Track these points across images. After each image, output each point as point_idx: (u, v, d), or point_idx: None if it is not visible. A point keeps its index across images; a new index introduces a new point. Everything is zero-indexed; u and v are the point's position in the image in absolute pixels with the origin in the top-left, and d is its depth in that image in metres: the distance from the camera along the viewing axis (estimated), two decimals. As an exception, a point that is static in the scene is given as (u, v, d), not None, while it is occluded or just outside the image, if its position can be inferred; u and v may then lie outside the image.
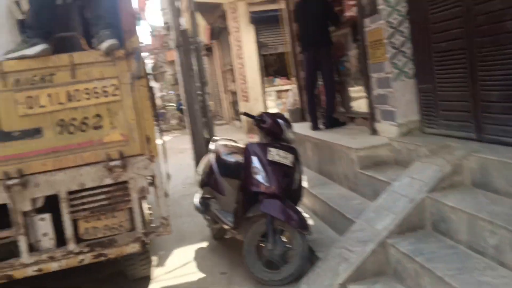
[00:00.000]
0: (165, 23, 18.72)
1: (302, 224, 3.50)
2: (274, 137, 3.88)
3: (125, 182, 2.97)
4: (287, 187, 3.72)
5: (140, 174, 2.97)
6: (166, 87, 24.95)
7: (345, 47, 5.78)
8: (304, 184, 4.97)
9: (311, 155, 5.45)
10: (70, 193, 2.90)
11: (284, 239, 3.61)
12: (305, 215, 3.64)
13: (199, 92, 7.51)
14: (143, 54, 3.20)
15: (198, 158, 7.09)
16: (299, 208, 3.72)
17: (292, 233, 3.53)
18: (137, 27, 2.97)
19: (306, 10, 5.50)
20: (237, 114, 15.08)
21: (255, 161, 3.76)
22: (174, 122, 18.15)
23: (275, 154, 3.75)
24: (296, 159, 3.86)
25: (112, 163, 2.89)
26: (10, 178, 2.73)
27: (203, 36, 12.26)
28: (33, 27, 2.83)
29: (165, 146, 3.93)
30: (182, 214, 5.84)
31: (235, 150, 4.45)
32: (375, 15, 4.27)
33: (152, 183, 3.07)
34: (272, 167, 3.69)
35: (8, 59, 2.76)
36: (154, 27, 17.79)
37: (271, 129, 3.86)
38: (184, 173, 8.59)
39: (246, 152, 3.87)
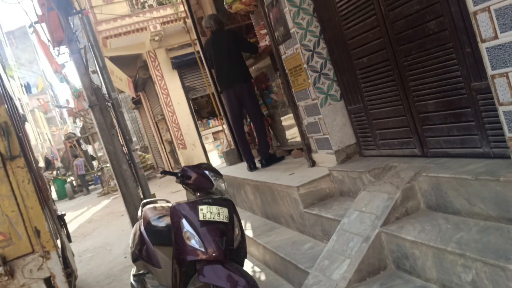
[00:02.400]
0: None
1: (251, 289, 2.97)
2: (203, 191, 3.37)
3: (15, 292, 2.34)
4: (227, 246, 3.20)
5: (34, 277, 2.35)
6: (102, 147, 23.89)
7: (268, 78, 5.46)
8: (249, 233, 4.48)
9: (253, 199, 4.98)
10: None
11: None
12: (256, 269, 3.11)
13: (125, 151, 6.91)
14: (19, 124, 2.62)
15: (134, 223, 6.43)
16: (245, 269, 3.21)
17: (242, 301, 2.98)
18: (1, 97, 2.40)
19: (216, 47, 5.12)
20: (177, 163, 14.47)
21: (185, 225, 3.22)
22: (113, 183, 17.15)
23: (206, 212, 3.23)
24: (233, 211, 3.36)
25: (-7, 272, 2.26)
26: None
27: (128, 90, 11.70)
28: None
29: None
30: (123, 293, 5.12)
31: (166, 213, 3.90)
32: (288, 40, 3.96)
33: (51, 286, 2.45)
34: (206, 227, 3.17)
35: None
36: (75, 89, 16.99)
37: (197, 184, 3.36)
38: (126, 239, 7.79)
39: (174, 214, 3.32)
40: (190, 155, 13.13)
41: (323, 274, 2.85)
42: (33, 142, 29.23)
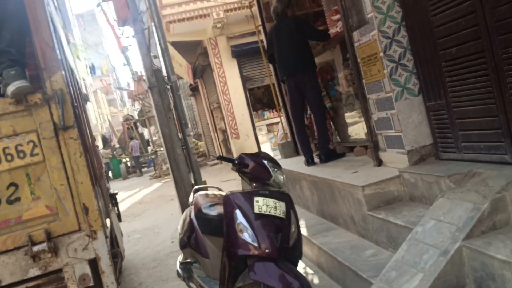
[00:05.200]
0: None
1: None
2: (260, 182, 3.12)
3: (58, 271, 2.20)
4: (282, 244, 2.93)
5: (79, 257, 2.20)
6: (158, 131, 24.33)
7: (334, 69, 5.12)
8: (304, 232, 4.20)
9: (309, 195, 4.69)
10: (-19, 295, 2.12)
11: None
12: (309, 271, 2.83)
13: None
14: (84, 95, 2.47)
15: (184, 208, 6.32)
16: (300, 269, 2.94)
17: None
18: (58, 63, 2.25)
19: (278, 33, 4.86)
20: (228, 152, 14.40)
21: (239, 216, 2.98)
22: (165, 167, 17.38)
23: (262, 205, 2.97)
24: (290, 207, 3.08)
25: (37, 248, 2.13)
26: None
27: (186, 76, 11.69)
28: None
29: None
30: (168, 278, 4.97)
31: (218, 201, 3.70)
32: (365, 26, 3.61)
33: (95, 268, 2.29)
34: (261, 221, 2.91)
35: None
36: (135, 72, 17.31)
37: (254, 173, 3.11)
38: (174, 224, 7.74)
39: (227, 204, 3.10)
40: (243, 146, 12.98)
41: (390, 286, 2.53)
42: (93, 122, 30.31)
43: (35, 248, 2.14)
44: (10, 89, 2.12)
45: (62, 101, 2.20)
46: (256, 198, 2.95)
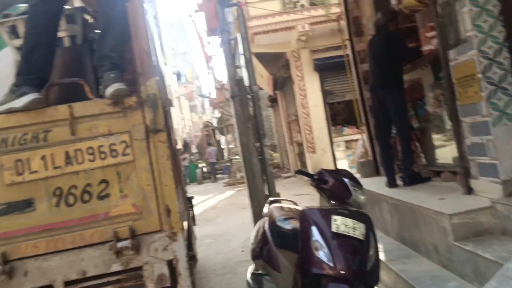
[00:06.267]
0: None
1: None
2: (339, 200, 3.02)
3: (138, 268, 2.26)
4: (359, 267, 2.81)
5: (158, 257, 2.25)
6: (234, 140, 24.88)
7: (424, 88, 4.89)
8: (381, 256, 4.01)
9: (389, 219, 4.49)
10: (68, 283, 2.23)
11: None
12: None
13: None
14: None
15: (256, 219, 6.33)
16: (375, 296, 2.79)
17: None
18: (153, 69, 2.35)
19: (372, 47, 4.80)
20: (303, 166, 14.29)
21: (315, 233, 2.89)
22: (239, 175, 17.65)
23: (340, 224, 2.86)
24: (370, 229, 2.95)
25: (121, 244, 2.21)
26: (-9, 265, 2.13)
27: (267, 87, 11.82)
28: (22, 73, 2.30)
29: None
30: (238, 287, 4.97)
31: (293, 215, 3.63)
32: (462, 45, 3.41)
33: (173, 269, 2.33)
34: (338, 241, 2.80)
35: (-6, 114, 2.24)
36: (217, 81, 17.85)
37: (334, 190, 3.03)
38: (245, 233, 7.77)
39: (304, 219, 3.03)
40: (318, 160, 12.81)
41: (476, 326, 2.32)
42: (175, 126, 31.61)
43: (119, 244, 2.22)
44: (109, 90, 2.24)
45: (155, 106, 2.29)
46: (334, 217, 2.85)
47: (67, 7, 2.76)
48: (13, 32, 2.65)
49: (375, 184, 5.08)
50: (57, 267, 2.22)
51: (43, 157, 2.22)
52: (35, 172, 2.21)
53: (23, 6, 2.95)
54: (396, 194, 4.32)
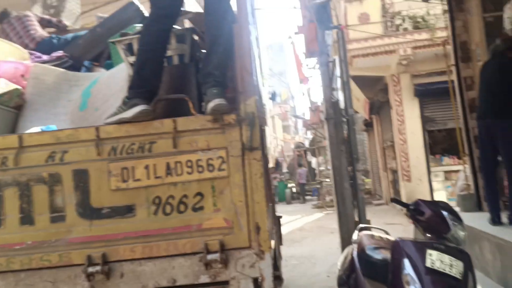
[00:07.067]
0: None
1: None
2: (436, 234, 2.86)
3: (225, 282, 2.31)
4: (454, 308, 2.62)
5: (245, 274, 2.28)
6: (325, 162, 24.65)
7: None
8: (480, 300, 3.69)
9: (490, 259, 4.14)
10: (158, 290, 2.34)
11: None
12: None
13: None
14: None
15: (344, 244, 6.17)
16: None
17: None
18: (254, 88, 2.42)
19: (484, 73, 4.51)
20: (396, 194, 13.68)
21: (407, 266, 2.76)
22: (328, 198, 17.38)
23: (436, 259, 2.70)
24: (468, 268, 2.74)
25: (211, 256, 2.27)
26: (92, 264, 2.30)
27: (362, 111, 11.59)
28: (134, 86, 2.50)
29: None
30: (322, 315, 4.86)
31: (384, 245, 3.50)
32: None
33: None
34: (432, 277, 2.65)
35: (106, 124, 2.45)
36: (312, 102, 17.90)
37: (430, 223, 2.87)
38: (332, 258, 7.61)
39: (396, 251, 2.91)
40: (413, 190, 12.19)
41: None
42: (268, 145, 32.15)
43: (209, 257, 2.28)
44: (210, 105, 2.36)
45: (253, 124, 2.35)
46: (429, 251, 2.70)
47: (177, 27, 2.96)
48: (129, 49, 2.88)
49: (477, 220, 4.74)
50: (150, 272, 2.33)
51: (146, 167, 2.37)
52: (138, 180, 2.36)
53: (139, 26, 3.21)
54: (501, 233, 3.99)
